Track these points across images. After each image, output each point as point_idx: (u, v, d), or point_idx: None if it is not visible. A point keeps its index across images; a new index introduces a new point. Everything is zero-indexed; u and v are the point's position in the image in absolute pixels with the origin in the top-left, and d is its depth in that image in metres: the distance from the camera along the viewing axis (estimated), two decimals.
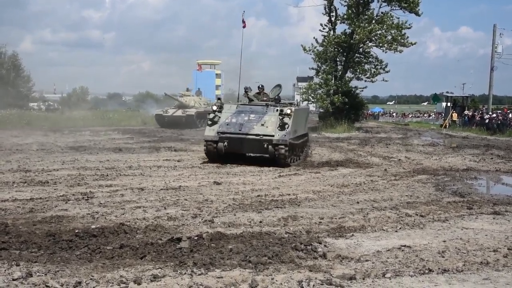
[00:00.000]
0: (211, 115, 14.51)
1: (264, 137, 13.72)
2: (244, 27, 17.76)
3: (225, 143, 13.93)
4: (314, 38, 34.10)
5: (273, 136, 13.69)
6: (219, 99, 15.42)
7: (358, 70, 33.98)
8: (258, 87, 16.55)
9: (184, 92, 34.29)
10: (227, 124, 14.23)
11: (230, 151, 14.22)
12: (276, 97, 15.98)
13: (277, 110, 14.12)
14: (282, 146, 13.57)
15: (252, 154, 15.11)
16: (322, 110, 34.57)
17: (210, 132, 14.28)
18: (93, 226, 6.38)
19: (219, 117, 14.47)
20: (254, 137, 13.83)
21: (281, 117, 13.92)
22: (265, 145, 13.64)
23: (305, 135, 16.53)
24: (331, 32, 33.96)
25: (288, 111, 13.98)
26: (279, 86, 16.57)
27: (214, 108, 14.74)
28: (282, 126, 13.77)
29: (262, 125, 13.96)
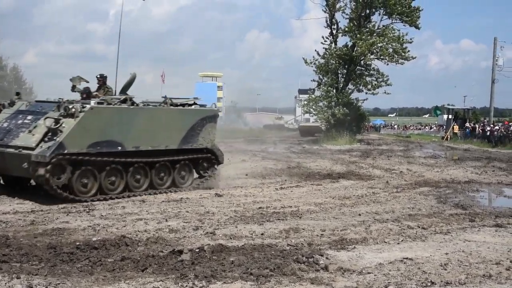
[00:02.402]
0: None
1: (24, 151, 8.90)
2: None
3: None
4: (315, 50, 34.27)
5: (33, 149, 8.82)
6: (18, 93, 10.74)
7: (359, 83, 34.10)
8: (96, 77, 11.33)
9: None
10: None
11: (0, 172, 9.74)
12: (121, 91, 11.19)
13: (65, 108, 9.12)
14: (41, 166, 8.61)
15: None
16: (324, 122, 34.60)
17: None
18: (94, 239, 6.37)
19: None
20: (12, 150, 9.04)
21: (55, 120, 8.94)
22: (25, 164, 8.76)
23: (199, 150, 11.26)
24: (333, 45, 34.11)
25: (72, 110, 9.00)
26: (130, 76, 11.44)
27: None
28: (53, 134, 8.89)
29: (30, 131, 9.19)
